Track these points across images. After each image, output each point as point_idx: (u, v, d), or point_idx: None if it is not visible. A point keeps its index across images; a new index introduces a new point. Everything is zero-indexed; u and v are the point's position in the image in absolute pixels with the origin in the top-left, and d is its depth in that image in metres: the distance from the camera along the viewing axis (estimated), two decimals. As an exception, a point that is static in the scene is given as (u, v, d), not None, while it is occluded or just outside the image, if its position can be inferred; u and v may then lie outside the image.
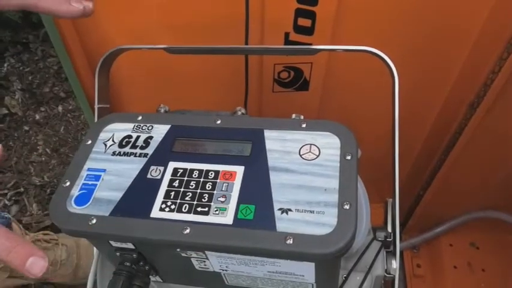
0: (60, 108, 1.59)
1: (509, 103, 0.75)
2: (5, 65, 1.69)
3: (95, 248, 0.54)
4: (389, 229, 0.52)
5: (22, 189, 1.37)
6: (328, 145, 0.43)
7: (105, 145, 0.47)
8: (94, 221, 0.41)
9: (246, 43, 0.64)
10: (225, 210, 0.40)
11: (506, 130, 0.81)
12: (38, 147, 1.49)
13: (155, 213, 0.40)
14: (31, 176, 1.41)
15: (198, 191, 0.42)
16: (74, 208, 0.42)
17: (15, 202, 1.34)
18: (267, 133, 0.45)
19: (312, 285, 0.45)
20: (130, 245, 0.43)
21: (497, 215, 1.03)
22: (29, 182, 1.39)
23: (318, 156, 0.42)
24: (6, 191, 1.36)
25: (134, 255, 0.44)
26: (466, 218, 1.06)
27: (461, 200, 1.02)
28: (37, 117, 1.56)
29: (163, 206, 0.41)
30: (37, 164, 1.44)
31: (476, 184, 0.97)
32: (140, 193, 0.42)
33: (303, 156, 0.43)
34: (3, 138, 1.50)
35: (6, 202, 1.34)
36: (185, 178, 0.43)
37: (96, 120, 0.57)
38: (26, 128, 1.53)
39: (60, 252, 1.08)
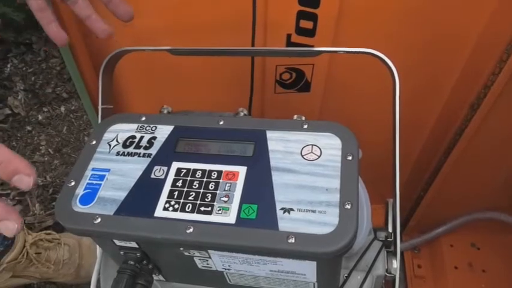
0: (62, 108, 1.60)
1: (509, 104, 0.75)
2: (8, 65, 1.70)
3: (98, 247, 0.55)
4: (390, 229, 0.52)
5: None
6: (329, 146, 0.44)
7: (110, 145, 0.47)
8: (99, 220, 0.41)
9: (253, 45, 0.65)
10: (228, 210, 0.40)
11: (506, 131, 0.81)
12: (41, 148, 1.49)
13: (159, 212, 0.41)
14: (34, 176, 1.41)
15: (201, 190, 0.42)
16: (78, 207, 0.43)
17: (18, 202, 1.34)
18: (269, 134, 0.46)
19: (314, 284, 0.46)
20: (134, 244, 0.44)
21: (498, 216, 1.03)
22: (32, 182, 1.40)
23: (319, 156, 0.43)
24: (9, 191, 1.36)
25: (138, 254, 0.45)
26: (466, 219, 1.06)
27: (462, 200, 1.03)
28: (40, 117, 1.57)
29: (167, 205, 0.41)
30: (40, 164, 1.44)
31: (477, 185, 0.97)
32: (144, 193, 0.43)
33: (304, 156, 0.43)
34: (6, 139, 1.51)
35: (9, 202, 1.35)
36: (188, 178, 0.43)
37: (99, 120, 0.57)
38: (29, 128, 1.54)
39: (62, 252, 1.08)
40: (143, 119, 0.49)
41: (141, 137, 0.48)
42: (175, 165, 0.44)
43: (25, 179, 0.33)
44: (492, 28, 0.67)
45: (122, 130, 0.49)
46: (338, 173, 0.41)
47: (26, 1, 0.46)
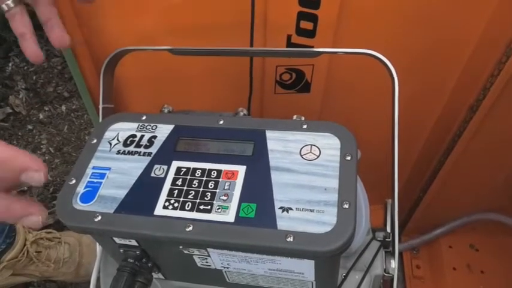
0: (63, 107, 1.60)
1: (508, 106, 0.75)
2: (10, 64, 1.70)
3: (98, 246, 0.55)
4: (389, 229, 0.52)
5: (25, 188, 1.38)
6: (328, 146, 0.44)
7: (110, 144, 0.48)
8: (99, 218, 0.41)
9: (251, 45, 0.65)
10: (227, 209, 0.41)
11: (505, 133, 0.82)
12: (42, 146, 1.50)
13: (159, 210, 0.41)
14: (34, 174, 1.42)
15: (201, 189, 0.42)
16: (79, 205, 0.43)
17: (19, 200, 1.35)
18: (269, 133, 0.46)
19: (312, 283, 0.46)
20: (133, 242, 0.44)
21: (497, 217, 1.03)
22: (32, 180, 1.40)
23: (318, 156, 0.43)
24: (9, 189, 1.37)
25: (137, 252, 0.45)
26: (465, 220, 1.06)
27: (461, 202, 1.03)
28: (41, 116, 1.57)
29: (167, 203, 0.42)
30: (40, 163, 1.45)
31: (476, 186, 0.97)
32: (144, 191, 0.43)
33: (303, 156, 0.44)
34: (7, 137, 1.51)
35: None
36: (188, 177, 0.44)
37: (100, 119, 0.58)
38: (30, 127, 1.55)
39: (62, 250, 1.09)
40: (144, 118, 0.50)
41: (142, 136, 0.48)
42: (175, 164, 0.45)
43: (35, 175, 0.30)
44: (491, 30, 0.67)
45: (123, 129, 0.49)
46: (337, 173, 0.42)
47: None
